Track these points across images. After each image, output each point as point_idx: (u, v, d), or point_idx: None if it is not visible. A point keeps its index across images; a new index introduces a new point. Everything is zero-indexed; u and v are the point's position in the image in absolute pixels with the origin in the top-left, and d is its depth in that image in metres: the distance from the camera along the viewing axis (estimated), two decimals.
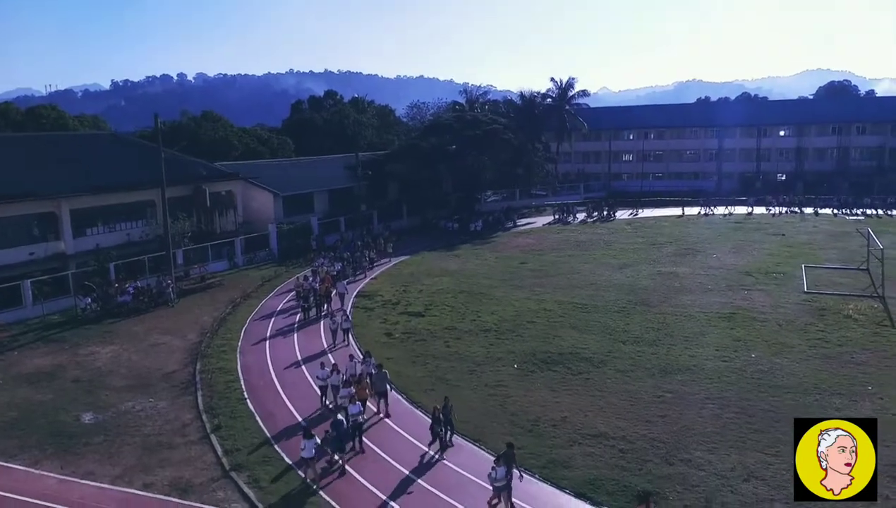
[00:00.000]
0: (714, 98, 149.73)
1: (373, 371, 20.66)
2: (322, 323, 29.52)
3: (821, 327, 26.00)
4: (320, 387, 20.96)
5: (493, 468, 14.40)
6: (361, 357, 22.75)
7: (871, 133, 74.58)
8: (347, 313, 28.38)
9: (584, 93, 76.63)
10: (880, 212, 56.79)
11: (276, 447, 18.11)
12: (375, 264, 40.90)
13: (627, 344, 25.04)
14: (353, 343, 26.52)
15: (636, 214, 60.72)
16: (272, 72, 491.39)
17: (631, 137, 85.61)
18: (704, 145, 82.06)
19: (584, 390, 21.03)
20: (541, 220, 59.57)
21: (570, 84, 75.18)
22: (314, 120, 79.96)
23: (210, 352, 26.25)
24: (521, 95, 76.41)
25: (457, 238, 50.29)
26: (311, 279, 33.24)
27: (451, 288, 34.59)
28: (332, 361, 22.27)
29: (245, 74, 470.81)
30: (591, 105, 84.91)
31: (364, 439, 18.02)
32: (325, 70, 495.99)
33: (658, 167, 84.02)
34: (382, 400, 19.95)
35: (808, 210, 58.41)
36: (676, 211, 60.29)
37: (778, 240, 44.74)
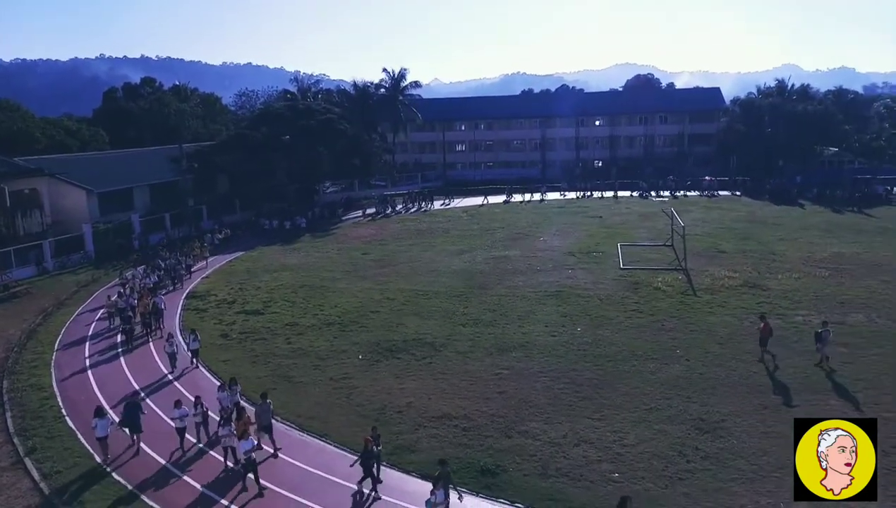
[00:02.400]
0: (537, 90, 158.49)
1: (239, 400, 18.39)
2: (152, 344, 26.07)
3: (635, 299, 28.65)
4: (179, 430, 17.35)
5: (431, 493, 13.48)
6: (220, 384, 19.67)
7: (672, 122, 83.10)
8: (196, 332, 23.62)
9: (416, 84, 77.74)
10: (681, 193, 63.40)
11: (108, 467, 16.71)
12: (193, 270, 36.82)
13: (467, 326, 25.98)
14: (202, 367, 23.16)
15: (448, 204, 61.77)
16: (80, 57, 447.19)
17: (463, 128, 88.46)
18: (529, 135, 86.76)
19: (427, 374, 21.55)
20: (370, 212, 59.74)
21: (402, 75, 75.91)
22: (131, 109, 73.80)
23: (19, 369, 23.58)
24: (355, 85, 76.04)
25: (293, 232, 49.13)
26: (125, 295, 28.35)
27: (291, 284, 33.78)
28: (188, 395, 18.91)
29: (48, 60, 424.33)
30: (425, 96, 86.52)
31: (263, 481, 15.58)
32: (142, 56, 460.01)
33: (489, 156, 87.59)
34: (267, 435, 17.30)
35: (624, 193, 63.87)
36: (497, 198, 62.38)
37: (596, 222, 48.51)
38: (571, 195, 64.38)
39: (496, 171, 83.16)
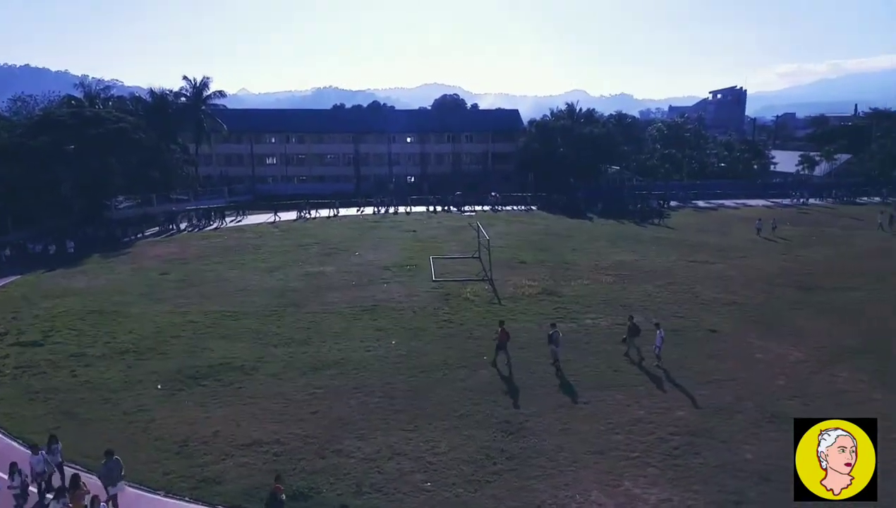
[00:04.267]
0: (349, 105, 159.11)
1: (61, 461, 15.72)
2: None
3: (447, 310, 29.66)
4: None
5: None
6: (31, 446, 15.78)
7: (477, 141, 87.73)
8: None
9: (220, 93, 74.18)
10: (487, 208, 66.94)
11: None
12: None
13: (279, 346, 25.17)
14: None
15: (240, 220, 60.06)
16: None
17: (273, 141, 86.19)
18: (343, 150, 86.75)
19: (236, 400, 20.51)
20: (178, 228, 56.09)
21: (204, 83, 71.97)
22: None
23: None
24: (152, 93, 70.75)
25: (80, 251, 44.42)
26: None
27: (77, 310, 30.42)
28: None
29: None
30: (231, 106, 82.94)
31: None
32: None
33: (302, 170, 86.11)
34: (112, 502, 14.67)
35: (438, 208, 65.98)
36: (288, 214, 61.73)
37: (410, 237, 49.64)
38: (384, 210, 65.24)
39: (309, 186, 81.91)
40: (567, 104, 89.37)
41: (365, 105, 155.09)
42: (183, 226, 56.33)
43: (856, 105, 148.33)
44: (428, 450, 17.26)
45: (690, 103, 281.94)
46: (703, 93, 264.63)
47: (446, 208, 65.29)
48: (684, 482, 15.68)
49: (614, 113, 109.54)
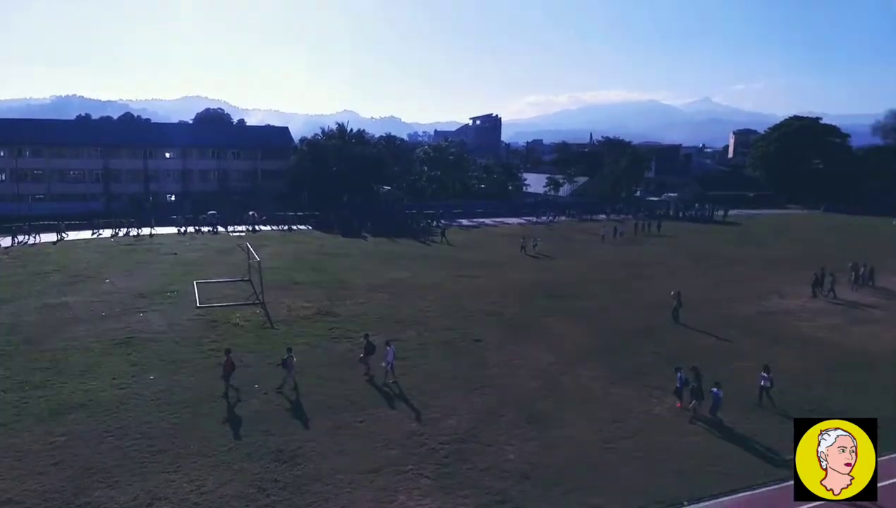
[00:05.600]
0: (97, 116, 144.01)
1: None
2: None
3: (214, 338, 27.90)
4: None
5: None
6: None
7: (245, 157, 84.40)
8: None
9: None
10: (258, 227, 64.65)
11: None
12: None
13: (10, 391, 21.65)
14: None
15: None
16: None
17: (1, 154, 74.64)
18: (89, 165, 77.98)
19: None
20: None
21: None
22: None
23: None
24: None
25: None
26: None
27: None
28: None
29: None
30: None
31: None
32: None
33: (39, 188, 75.72)
34: None
35: (205, 228, 62.03)
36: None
37: (171, 260, 46.05)
38: (135, 232, 59.79)
39: (48, 205, 72.12)
40: (338, 123, 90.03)
41: (116, 117, 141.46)
42: None
43: (591, 133, 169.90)
44: (193, 491, 15.97)
45: (454, 128, 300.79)
46: (465, 119, 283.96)
47: (213, 229, 61.71)
48: (455, 489, 16.37)
49: (384, 134, 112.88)
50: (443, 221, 68.14)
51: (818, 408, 21.42)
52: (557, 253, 52.90)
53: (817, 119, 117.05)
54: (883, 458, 11.97)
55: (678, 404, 21.44)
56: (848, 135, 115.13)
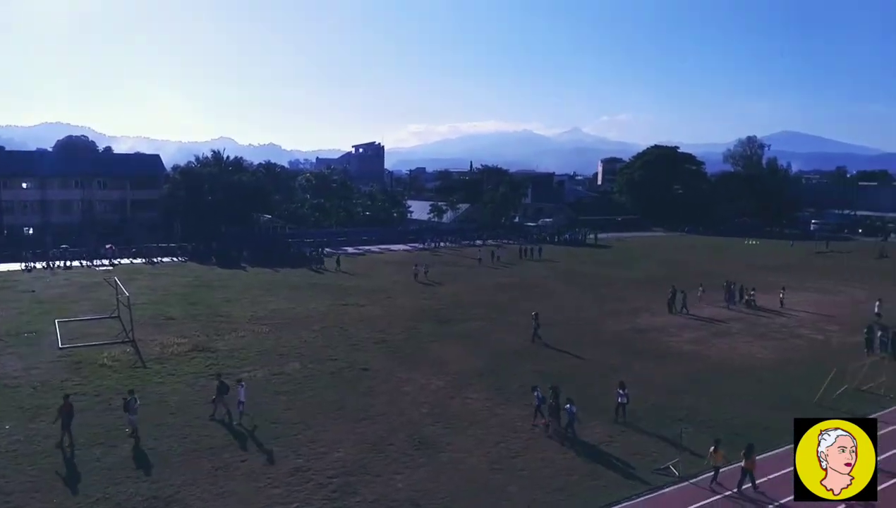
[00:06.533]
0: None
1: None
2: None
3: (78, 380, 25.82)
4: None
5: None
6: None
7: (112, 187, 79.29)
8: None
9: None
10: (126, 260, 60.78)
11: None
12: None
13: None
14: None
15: None
16: None
17: None
18: None
19: None
20: None
21: None
22: None
23: None
24: None
25: None
26: None
27: None
28: None
29: None
30: None
31: None
32: None
33: None
34: None
35: (59, 263, 57.41)
36: None
37: (28, 297, 42.27)
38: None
39: None
40: (213, 151, 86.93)
41: None
42: None
43: (471, 162, 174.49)
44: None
45: (336, 155, 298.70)
46: (347, 146, 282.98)
47: (65, 264, 56.90)
48: None
49: (264, 162, 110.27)
50: (328, 249, 67.12)
51: (687, 417, 22.97)
52: (443, 278, 53.60)
53: (675, 148, 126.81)
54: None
55: (542, 421, 21.97)
56: (703, 163, 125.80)
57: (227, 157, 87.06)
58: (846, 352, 31.31)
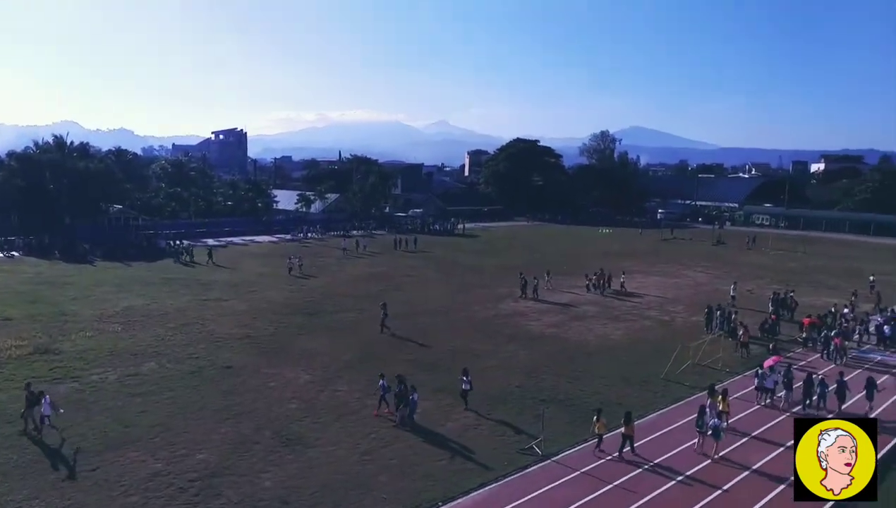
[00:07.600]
0: None
1: None
2: None
3: None
4: None
5: None
6: None
7: None
8: None
9: None
10: None
11: None
12: None
13: None
14: None
15: None
16: None
17: None
18: None
19: None
20: None
21: None
22: None
23: None
24: None
25: None
26: None
27: None
28: None
29: None
30: None
31: None
32: None
33: None
34: None
35: None
36: None
37: None
38: None
39: None
40: (55, 136, 79.48)
41: None
42: None
43: (340, 151, 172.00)
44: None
45: (194, 142, 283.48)
46: (207, 132, 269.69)
47: None
48: None
49: (113, 148, 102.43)
50: (185, 241, 63.55)
51: (549, 398, 24.17)
52: (312, 270, 52.56)
53: (536, 141, 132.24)
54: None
55: (387, 410, 22.20)
56: (561, 155, 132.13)
57: (72, 143, 79.98)
58: (689, 331, 34.32)
